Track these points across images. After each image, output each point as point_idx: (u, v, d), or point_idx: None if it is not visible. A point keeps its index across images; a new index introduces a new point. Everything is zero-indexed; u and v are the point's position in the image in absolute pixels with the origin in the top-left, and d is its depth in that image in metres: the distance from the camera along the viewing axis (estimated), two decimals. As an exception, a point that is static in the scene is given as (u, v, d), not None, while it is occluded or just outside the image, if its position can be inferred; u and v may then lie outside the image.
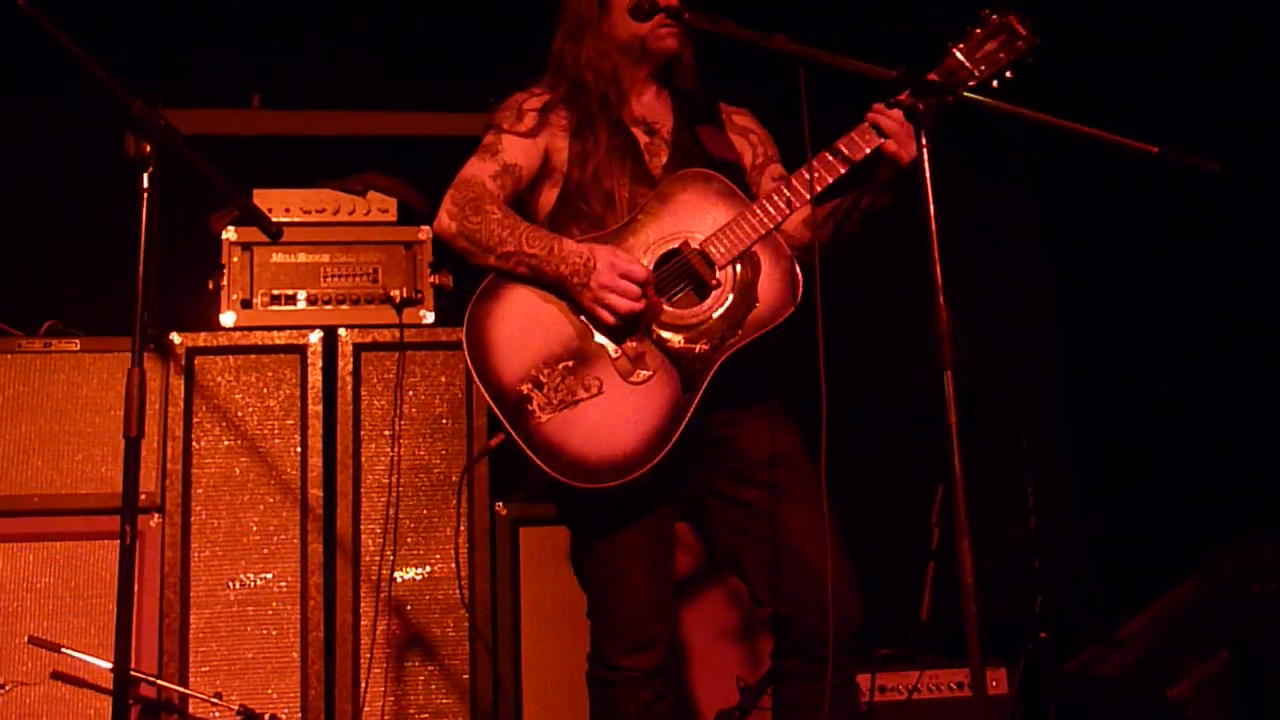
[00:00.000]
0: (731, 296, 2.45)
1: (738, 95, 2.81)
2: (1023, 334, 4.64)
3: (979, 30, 2.39)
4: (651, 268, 2.47)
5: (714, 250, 2.46)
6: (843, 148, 2.43)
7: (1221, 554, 3.50)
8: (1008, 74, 2.37)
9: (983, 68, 2.36)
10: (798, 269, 2.45)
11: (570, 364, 2.44)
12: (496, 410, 2.44)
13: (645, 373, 2.43)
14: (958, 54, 2.38)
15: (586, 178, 2.56)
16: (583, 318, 2.47)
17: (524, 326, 2.47)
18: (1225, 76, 4.02)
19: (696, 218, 2.49)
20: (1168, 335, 4.35)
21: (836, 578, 2.37)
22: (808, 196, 2.42)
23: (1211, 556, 3.51)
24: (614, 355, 2.44)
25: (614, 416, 2.41)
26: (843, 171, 2.43)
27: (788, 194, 2.44)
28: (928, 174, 2.14)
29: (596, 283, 2.40)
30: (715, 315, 2.45)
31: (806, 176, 2.42)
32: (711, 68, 2.77)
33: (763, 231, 2.44)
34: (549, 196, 2.63)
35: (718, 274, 2.46)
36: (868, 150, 2.42)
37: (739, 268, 2.46)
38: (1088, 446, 4.48)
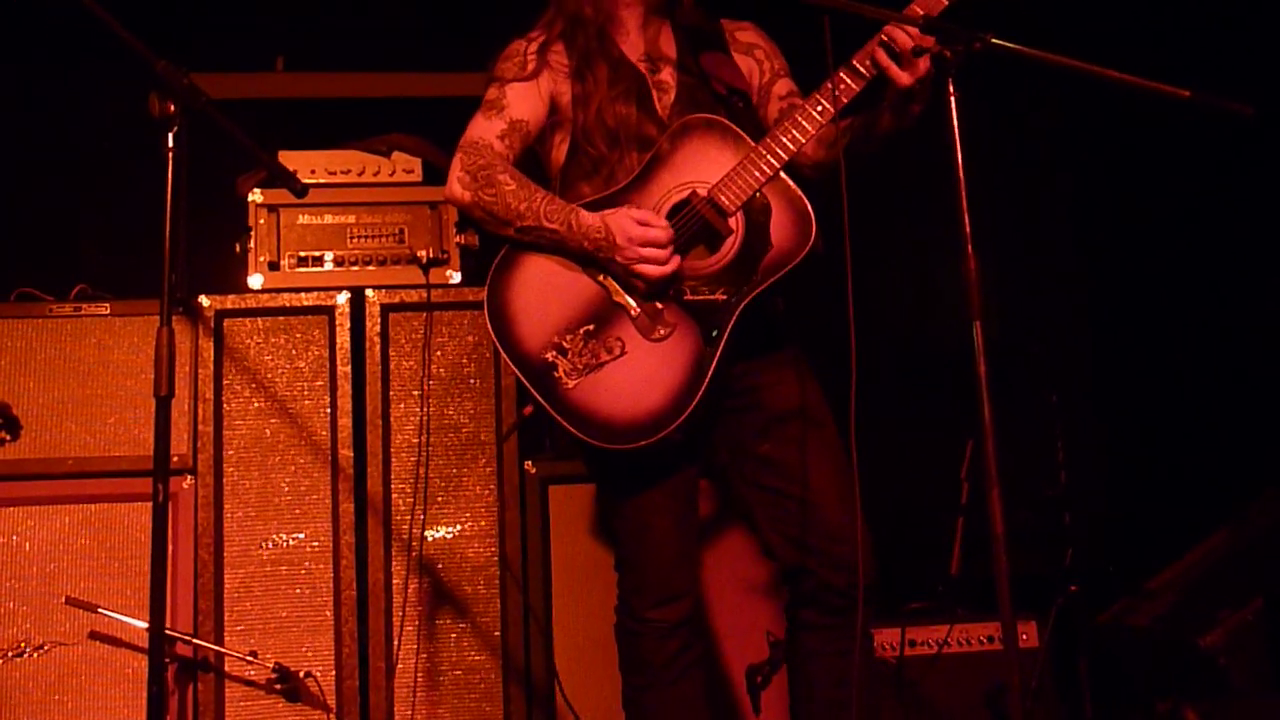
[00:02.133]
0: (745, 243, 2.43)
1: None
2: (1051, 291, 4.60)
3: None
4: (664, 220, 2.45)
5: (723, 197, 2.43)
6: (845, 75, 2.38)
7: (1253, 505, 3.48)
8: None
9: None
10: (809, 208, 2.42)
11: (591, 327, 2.45)
12: (524, 380, 2.46)
13: (665, 329, 2.43)
14: None
15: (590, 118, 2.55)
16: (600, 279, 2.47)
17: (543, 294, 2.48)
18: (1259, 26, 3.96)
19: (704, 165, 2.46)
20: (1197, 289, 4.31)
21: (854, 530, 2.38)
22: (809, 129, 2.39)
23: (1242, 508, 3.50)
24: (634, 314, 2.44)
25: (639, 376, 2.41)
26: (845, 102, 2.38)
27: (793, 131, 2.40)
28: (955, 123, 2.11)
29: (622, 257, 2.40)
30: (730, 263, 2.43)
31: (809, 110, 2.39)
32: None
33: (770, 173, 2.41)
34: (560, 149, 2.62)
35: (729, 221, 2.44)
36: (869, 76, 2.37)
37: (751, 212, 2.43)
38: (1117, 401, 4.45)
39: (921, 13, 2.28)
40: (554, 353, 2.44)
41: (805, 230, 2.41)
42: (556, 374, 2.43)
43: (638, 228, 2.40)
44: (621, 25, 2.64)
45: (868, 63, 2.37)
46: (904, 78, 2.32)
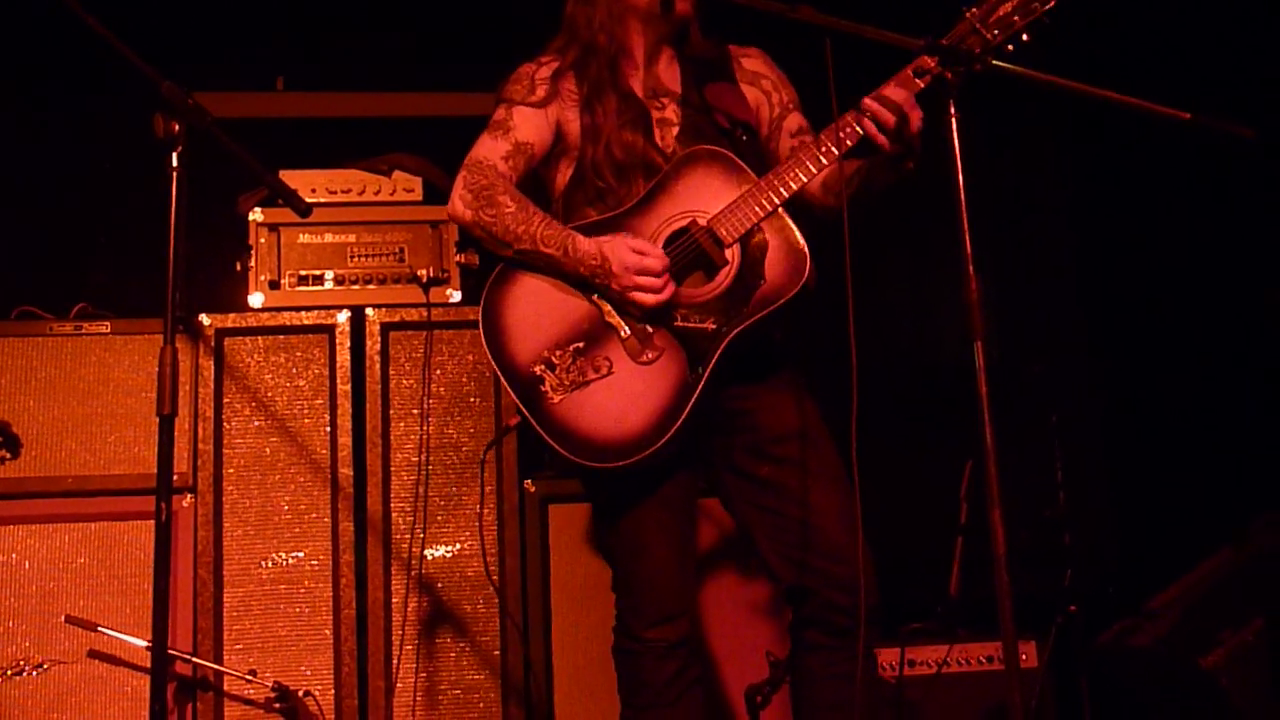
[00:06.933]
0: (739, 274, 2.45)
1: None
2: (1051, 310, 4.62)
3: None
4: (660, 248, 2.47)
5: (721, 229, 2.45)
6: (853, 119, 2.37)
7: (1253, 526, 3.48)
8: (1024, 37, 2.29)
9: (997, 31, 2.29)
10: (805, 247, 2.43)
11: (580, 345, 2.47)
12: (511, 392, 2.48)
13: (654, 353, 2.45)
14: (971, 17, 2.31)
15: (600, 153, 2.56)
16: (594, 299, 2.49)
17: (536, 310, 2.51)
18: (1259, 37, 3.98)
19: (705, 196, 2.49)
20: (1198, 308, 4.31)
21: (855, 551, 2.37)
22: (814, 170, 2.40)
23: (1243, 529, 3.50)
24: (623, 336, 2.47)
25: (623, 396, 2.43)
26: (850, 145, 2.38)
27: (796, 171, 2.42)
28: (956, 144, 2.12)
29: (618, 284, 2.43)
30: (723, 293, 2.45)
31: (815, 152, 2.40)
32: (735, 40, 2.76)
33: (769, 209, 2.43)
34: (564, 174, 2.64)
35: (725, 252, 2.46)
36: (850, 143, 2.38)
37: (747, 245, 2.45)
38: (1117, 422, 4.46)
39: (922, 42, 2.28)
40: (542, 367, 2.46)
41: (799, 268, 2.42)
42: (543, 388, 2.45)
43: (634, 256, 2.42)
44: (631, 58, 2.65)
45: (851, 127, 2.36)
46: (886, 144, 2.34)
